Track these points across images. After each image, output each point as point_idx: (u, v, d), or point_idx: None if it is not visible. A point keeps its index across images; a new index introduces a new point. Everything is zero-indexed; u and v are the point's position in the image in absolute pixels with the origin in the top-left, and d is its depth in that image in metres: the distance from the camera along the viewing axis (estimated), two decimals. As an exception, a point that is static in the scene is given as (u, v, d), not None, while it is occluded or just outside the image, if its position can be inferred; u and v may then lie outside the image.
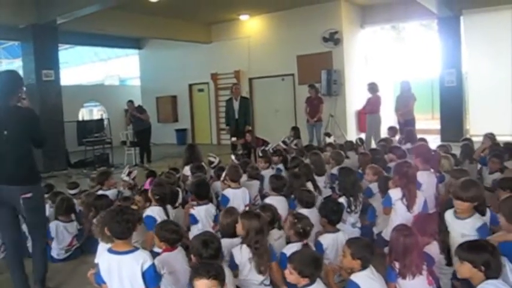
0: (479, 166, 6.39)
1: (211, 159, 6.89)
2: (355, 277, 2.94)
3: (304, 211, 4.05)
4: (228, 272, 3.12)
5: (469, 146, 6.91)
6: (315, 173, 5.68)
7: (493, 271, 2.61)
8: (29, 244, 4.70)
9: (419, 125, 11.03)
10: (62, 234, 4.74)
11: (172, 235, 3.39)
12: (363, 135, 10.96)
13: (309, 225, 3.59)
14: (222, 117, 13.63)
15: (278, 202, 4.40)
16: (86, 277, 3.26)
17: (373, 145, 9.54)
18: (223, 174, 5.41)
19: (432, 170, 4.98)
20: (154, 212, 4.27)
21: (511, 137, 10.04)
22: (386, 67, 14.92)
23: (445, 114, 12.26)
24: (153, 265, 2.90)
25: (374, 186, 5.00)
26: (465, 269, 2.67)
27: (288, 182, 5.04)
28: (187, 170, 6.35)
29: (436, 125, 13.05)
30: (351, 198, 4.59)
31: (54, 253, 4.68)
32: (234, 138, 9.75)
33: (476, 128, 11.64)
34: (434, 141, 9.69)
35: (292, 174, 5.24)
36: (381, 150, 6.99)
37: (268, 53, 14.14)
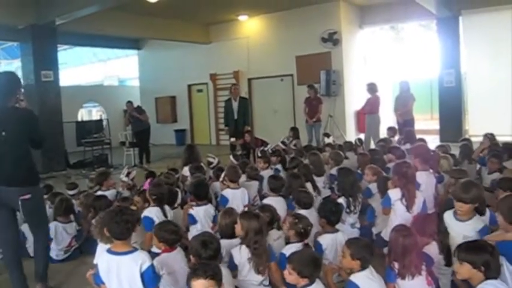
0: (478, 166, 6.40)
1: (211, 159, 6.89)
2: (355, 277, 2.94)
3: (302, 212, 4.05)
4: (227, 273, 3.13)
5: (468, 146, 6.92)
6: (314, 173, 5.68)
7: (492, 271, 2.61)
8: (28, 245, 4.73)
9: (418, 125, 11.05)
10: (61, 235, 4.73)
11: (171, 235, 3.39)
12: (362, 136, 10.96)
13: (309, 225, 3.60)
14: (221, 118, 13.64)
15: (277, 203, 4.40)
16: (85, 278, 3.25)
17: (372, 145, 9.54)
18: (223, 175, 5.42)
19: (431, 170, 4.98)
20: (152, 212, 4.28)
21: (510, 137, 10.05)
22: (385, 67, 14.93)
23: (444, 115, 12.28)
24: (151, 266, 2.90)
25: (373, 187, 5.00)
26: (464, 270, 2.67)
27: (287, 183, 5.04)
28: (186, 171, 6.34)
29: (435, 125, 13.07)
30: (350, 199, 4.59)
31: (53, 254, 4.66)
32: (233, 139, 9.74)
33: (475, 128, 11.65)
34: (433, 142, 9.69)
35: (291, 175, 5.24)
36: (380, 150, 7.00)
37: (267, 54, 14.14)
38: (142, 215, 4.17)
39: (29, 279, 3.81)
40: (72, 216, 4.99)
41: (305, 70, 13.30)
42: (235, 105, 9.77)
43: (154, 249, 3.77)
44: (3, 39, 16.13)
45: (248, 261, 3.32)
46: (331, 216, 3.89)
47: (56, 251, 4.68)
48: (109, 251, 2.95)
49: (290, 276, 2.90)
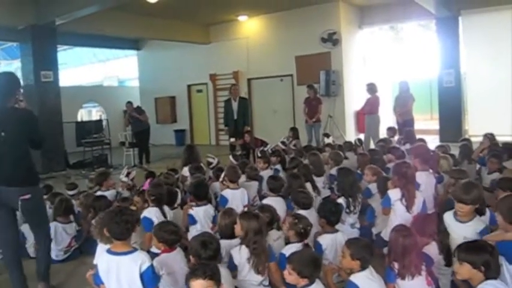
0: (478, 166, 6.40)
1: (210, 160, 6.88)
2: (355, 278, 2.94)
3: (301, 212, 4.05)
4: (226, 273, 3.13)
5: (468, 147, 6.92)
6: (313, 173, 5.68)
7: (492, 271, 2.62)
8: (28, 245, 4.73)
9: (417, 125, 11.06)
10: (60, 236, 4.73)
11: (171, 236, 3.39)
12: (361, 136, 10.96)
13: (309, 225, 3.60)
14: (220, 118, 13.64)
15: (276, 203, 4.39)
16: (85, 278, 3.25)
17: (372, 145, 9.54)
18: (222, 175, 5.42)
19: (431, 171, 4.98)
20: (151, 213, 4.28)
21: (510, 137, 10.05)
22: (384, 68, 14.93)
23: (444, 115, 12.28)
24: (151, 266, 2.89)
25: (373, 187, 5.00)
26: (465, 270, 2.67)
27: (287, 183, 5.05)
28: (186, 171, 6.34)
29: (435, 125, 13.07)
30: (350, 199, 4.59)
31: (53, 254, 4.62)
32: (232, 139, 9.74)
33: (475, 128, 11.65)
34: (433, 142, 9.69)
35: (291, 175, 5.24)
36: (379, 150, 7.00)
37: (266, 54, 14.14)
38: (142, 216, 4.17)
39: (29, 280, 3.81)
40: (72, 217, 4.99)
41: (305, 70, 13.30)
42: (234, 105, 9.77)
43: (154, 250, 3.77)
44: (3, 40, 16.13)
45: (247, 261, 3.32)
46: (331, 216, 3.88)
47: (55, 251, 4.67)
48: (109, 251, 2.95)
49: (290, 276, 2.90)
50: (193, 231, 4.34)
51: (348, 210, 4.53)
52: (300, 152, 7.47)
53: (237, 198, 4.97)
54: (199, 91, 16.51)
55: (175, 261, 3.36)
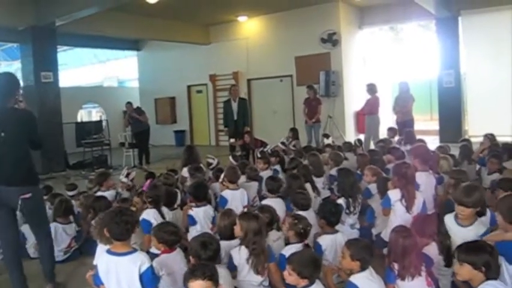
0: (478, 167, 6.40)
1: (210, 160, 6.89)
2: (355, 278, 2.94)
3: (300, 213, 4.04)
4: (226, 273, 3.13)
5: (468, 147, 6.92)
6: (313, 174, 5.68)
7: (493, 272, 2.62)
8: (28, 246, 4.74)
9: (417, 125, 11.05)
10: (60, 236, 4.73)
11: (170, 236, 3.39)
12: (361, 136, 10.96)
13: (308, 225, 3.60)
14: (220, 119, 13.63)
15: (275, 204, 4.39)
16: (85, 279, 3.25)
17: (372, 146, 9.54)
18: (222, 176, 5.42)
19: (431, 171, 4.98)
20: (150, 215, 4.29)
21: (510, 137, 10.05)
22: (384, 68, 14.93)
23: (444, 115, 12.27)
24: (151, 267, 2.89)
25: (373, 187, 5.00)
26: (465, 271, 2.67)
27: (287, 183, 5.05)
28: (185, 172, 6.34)
29: (435, 125, 13.06)
30: (350, 199, 4.59)
31: (53, 255, 4.67)
32: (232, 140, 9.74)
33: (475, 128, 11.65)
34: (433, 142, 9.69)
35: (290, 176, 5.24)
36: (379, 151, 7.00)
37: (266, 54, 14.15)
38: (140, 218, 4.16)
39: (29, 280, 3.82)
40: (71, 217, 4.99)
41: (304, 71, 13.30)
42: (234, 106, 9.77)
43: (153, 250, 3.77)
44: (3, 41, 16.14)
45: (247, 261, 3.31)
46: (330, 217, 3.88)
47: (55, 252, 4.65)
48: (108, 251, 2.95)
49: (290, 277, 2.89)
50: (193, 232, 4.35)
51: (347, 211, 4.53)
52: (300, 152, 7.47)
53: (236, 198, 4.96)
54: (199, 92, 16.51)
55: (175, 261, 3.36)
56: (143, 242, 4.15)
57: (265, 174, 6.04)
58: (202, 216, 4.53)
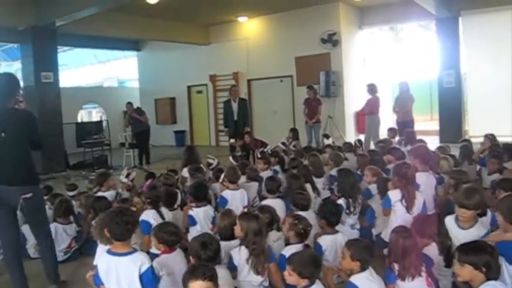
0: (478, 167, 6.40)
1: (210, 161, 6.89)
2: (355, 279, 2.94)
3: (300, 213, 4.04)
4: (226, 274, 3.13)
5: (468, 147, 6.92)
6: (313, 174, 5.68)
7: (493, 272, 2.61)
8: (28, 246, 4.73)
9: (418, 126, 11.06)
10: (60, 236, 4.73)
11: (171, 237, 3.39)
12: (361, 137, 10.96)
13: (309, 225, 3.60)
14: (220, 119, 13.64)
15: (275, 204, 4.38)
16: (85, 279, 3.25)
17: (372, 146, 9.54)
18: (222, 176, 5.42)
19: (431, 171, 4.98)
20: (149, 215, 4.29)
21: (510, 138, 10.04)
22: (384, 68, 14.93)
23: (444, 116, 12.27)
24: (151, 267, 2.89)
25: (373, 188, 4.99)
26: (466, 272, 2.66)
27: (287, 183, 5.05)
28: (185, 172, 6.35)
29: (435, 126, 13.06)
30: (350, 200, 4.59)
31: (54, 255, 4.67)
32: (232, 140, 9.74)
33: (475, 129, 11.65)
34: (433, 143, 9.69)
35: (290, 176, 5.24)
36: (379, 151, 7.00)
37: (266, 55, 14.15)
38: (140, 219, 4.16)
39: (29, 280, 3.82)
40: (72, 218, 5.00)
41: (304, 71, 13.30)
42: (234, 106, 9.77)
43: (153, 250, 3.77)
44: (3, 41, 16.15)
45: (247, 261, 3.32)
46: (331, 217, 3.88)
47: (55, 252, 4.68)
48: (109, 251, 2.95)
49: (290, 277, 2.89)
50: (193, 232, 4.35)
51: (348, 211, 4.53)
52: (300, 153, 7.48)
53: (236, 199, 4.97)
54: (199, 92, 16.52)
55: (175, 262, 3.36)
56: (143, 243, 4.15)
57: (266, 174, 6.04)
58: (202, 216, 4.53)
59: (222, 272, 3.03)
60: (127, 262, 2.86)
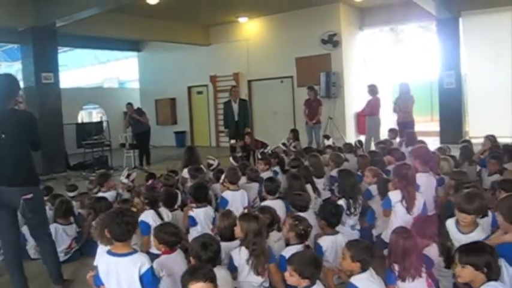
0: (478, 168, 6.40)
1: (211, 161, 6.90)
2: (355, 279, 2.94)
3: (300, 214, 4.04)
4: (227, 274, 3.13)
5: (468, 148, 6.92)
6: (314, 175, 5.68)
7: (494, 272, 2.61)
8: (28, 247, 4.73)
9: (418, 127, 11.06)
10: (61, 237, 4.73)
11: (171, 237, 3.39)
12: (361, 138, 10.96)
13: (309, 226, 3.60)
14: (221, 120, 13.62)
15: (275, 205, 4.38)
16: (85, 279, 3.25)
17: (373, 147, 9.54)
18: (223, 177, 5.42)
19: (431, 172, 4.98)
20: (148, 216, 4.29)
21: (510, 138, 10.05)
22: (385, 69, 14.93)
23: (444, 116, 12.26)
24: (151, 268, 2.89)
25: (373, 188, 4.99)
26: (467, 273, 2.65)
27: (287, 184, 5.05)
28: (186, 173, 6.35)
29: (435, 127, 13.05)
30: (350, 201, 4.59)
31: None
32: (233, 141, 9.75)
33: (475, 130, 11.65)
34: (433, 143, 9.68)
35: (291, 176, 5.24)
36: (380, 152, 7.00)
37: (267, 55, 14.15)
38: (139, 220, 4.16)
39: (30, 281, 3.82)
40: (72, 218, 5.00)
41: (305, 72, 13.30)
42: (235, 107, 9.78)
43: (153, 250, 3.77)
44: (3, 41, 16.17)
45: (247, 262, 3.31)
46: (331, 218, 3.88)
47: (56, 253, 4.69)
48: (109, 252, 2.95)
49: (291, 277, 2.89)
50: (194, 233, 4.35)
51: (348, 212, 4.53)
52: (300, 153, 7.48)
53: (237, 199, 4.97)
54: (200, 93, 16.52)
55: (175, 262, 3.36)
56: (142, 244, 4.15)
57: (266, 175, 6.03)
58: (202, 217, 4.53)
59: (222, 272, 3.03)
60: (127, 263, 2.86)
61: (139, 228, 3.96)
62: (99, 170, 8.68)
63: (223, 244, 3.47)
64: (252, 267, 3.30)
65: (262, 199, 5.30)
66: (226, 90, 12.67)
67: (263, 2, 12.52)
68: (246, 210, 4.66)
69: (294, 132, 9.97)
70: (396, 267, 2.99)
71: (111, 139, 12.16)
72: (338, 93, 12.71)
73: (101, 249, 3.35)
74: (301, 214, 4.00)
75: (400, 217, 3.93)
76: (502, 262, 2.80)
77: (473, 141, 8.15)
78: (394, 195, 4.06)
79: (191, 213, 4.54)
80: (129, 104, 11.81)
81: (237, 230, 3.50)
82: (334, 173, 5.99)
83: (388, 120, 11.77)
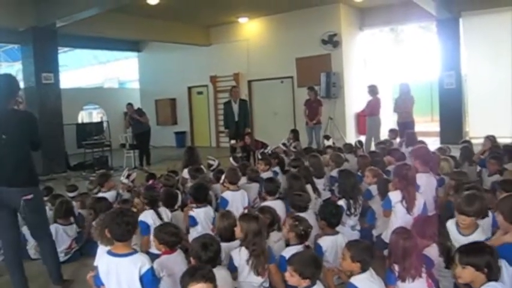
0: (478, 168, 6.39)
1: (211, 162, 6.90)
2: (355, 280, 2.93)
3: (300, 214, 4.03)
4: (227, 274, 3.13)
5: (469, 148, 6.92)
6: (314, 175, 5.68)
7: (494, 273, 2.61)
8: (28, 247, 4.73)
9: (418, 127, 11.06)
10: (61, 237, 4.73)
11: (171, 238, 3.39)
12: (362, 138, 10.96)
13: (309, 227, 3.60)
14: (221, 120, 13.62)
15: (275, 205, 4.38)
16: (86, 280, 3.25)
17: (373, 147, 9.54)
18: (223, 177, 5.42)
19: (431, 173, 4.97)
20: (147, 216, 4.29)
21: (510, 139, 10.04)
22: (385, 69, 14.93)
23: (445, 117, 12.26)
24: (151, 269, 2.89)
25: (373, 189, 4.99)
26: (468, 274, 2.65)
27: (288, 184, 5.05)
28: (186, 173, 6.35)
29: (436, 127, 13.06)
30: (351, 201, 4.59)
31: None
32: (233, 141, 9.75)
33: (475, 130, 11.65)
34: (433, 144, 9.67)
35: (291, 176, 5.24)
36: (380, 152, 7.00)
37: (267, 56, 14.15)
38: (139, 220, 4.16)
39: (30, 281, 3.82)
40: (72, 219, 5.00)
41: (305, 72, 13.30)
42: (235, 107, 9.78)
43: (153, 250, 3.77)
44: (4, 42, 16.18)
45: (247, 262, 3.32)
46: (331, 218, 3.88)
47: (56, 253, 4.69)
48: (109, 252, 2.95)
49: (292, 278, 2.89)
50: (194, 233, 4.35)
51: (348, 212, 4.53)
52: (301, 154, 7.48)
53: (237, 200, 4.97)
54: (200, 93, 16.52)
55: (175, 263, 3.36)
56: (142, 244, 4.15)
57: (266, 175, 6.04)
58: (203, 217, 4.53)
59: (222, 273, 3.03)
60: (127, 263, 2.86)
61: (139, 228, 3.97)
62: (99, 170, 8.67)
63: (223, 244, 3.47)
64: (252, 268, 3.30)
65: (263, 199, 5.30)
66: (226, 91, 12.66)
67: (263, 3, 12.53)
68: (246, 211, 4.66)
69: (294, 133, 9.97)
70: (396, 267, 2.99)
71: (111, 139, 12.16)
72: (338, 93, 12.71)
73: (101, 250, 3.35)
74: (301, 214, 4.01)
75: (400, 217, 3.93)
76: (503, 262, 2.79)
77: (473, 141, 8.16)
78: (394, 196, 4.06)
79: (191, 213, 4.54)
80: (130, 105, 11.82)
81: (237, 230, 3.50)
82: (334, 173, 5.99)
83: (388, 121, 11.78)
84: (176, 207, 4.91)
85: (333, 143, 9.07)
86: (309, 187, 5.20)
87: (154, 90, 17.37)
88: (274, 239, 3.80)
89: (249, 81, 14.92)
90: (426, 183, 4.64)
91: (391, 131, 9.54)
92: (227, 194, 5.03)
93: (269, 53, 14.08)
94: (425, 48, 15.87)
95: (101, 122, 14.06)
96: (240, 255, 3.35)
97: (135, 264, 2.85)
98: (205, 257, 3.01)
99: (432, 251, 3.32)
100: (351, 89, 13.06)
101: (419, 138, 8.38)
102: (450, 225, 3.51)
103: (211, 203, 5.17)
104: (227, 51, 15.17)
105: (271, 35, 14.16)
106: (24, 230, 4.49)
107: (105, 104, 17.68)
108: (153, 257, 3.18)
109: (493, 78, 11.58)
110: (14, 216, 3.79)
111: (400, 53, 16.59)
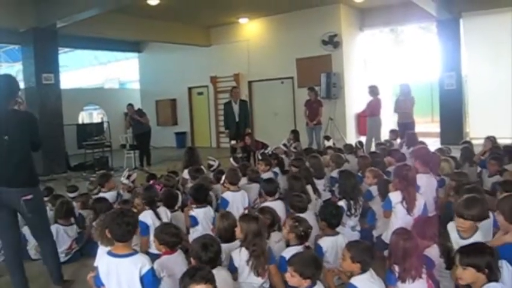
0: (479, 169, 6.39)
1: (211, 162, 6.90)
2: (355, 280, 2.93)
3: (300, 215, 4.03)
4: (227, 275, 3.13)
5: (469, 149, 6.92)
6: (314, 176, 5.68)
7: (494, 273, 2.61)
8: (29, 247, 4.74)
9: (418, 128, 11.04)
10: (61, 238, 4.72)
11: (172, 238, 3.40)
12: (362, 139, 10.96)
13: (309, 227, 3.60)
14: (221, 121, 13.60)
15: (275, 206, 4.38)
16: (86, 280, 3.25)
17: (373, 148, 9.54)
18: (223, 178, 5.42)
19: (432, 173, 4.98)
20: (147, 217, 4.30)
21: (510, 139, 10.04)
22: (385, 70, 14.92)
23: (445, 117, 12.26)
24: (151, 269, 2.89)
25: (374, 189, 4.99)
26: (469, 275, 2.64)
27: (288, 185, 5.05)
28: (186, 173, 6.35)
29: (436, 128, 13.06)
30: (351, 202, 4.58)
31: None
32: (233, 142, 9.75)
33: (476, 130, 11.65)
34: (434, 144, 9.67)
35: (292, 176, 5.24)
36: (380, 153, 7.00)
37: (267, 56, 14.15)
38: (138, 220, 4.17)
39: (30, 282, 3.82)
40: (72, 219, 5.00)
41: (305, 73, 13.30)
42: (236, 107, 9.79)
43: (153, 250, 3.77)
44: (4, 42, 16.17)
45: (247, 263, 3.31)
46: (331, 219, 3.88)
47: (56, 254, 4.69)
48: (109, 253, 2.95)
49: (292, 278, 2.89)
50: (194, 234, 4.35)
51: (348, 213, 4.52)
52: (301, 154, 7.48)
53: (237, 200, 4.97)
54: (200, 93, 16.53)
55: (176, 263, 3.36)
56: (141, 244, 4.15)
57: (267, 176, 6.03)
58: (202, 217, 4.54)
59: (222, 273, 3.03)
60: (128, 264, 2.86)
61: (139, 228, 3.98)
62: (100, 171, 8.69)
63: (223, 245, 3.46)
64: (252, 268, 3.30)
65: (263, 200, 5.30)
66: (226, 91, 12.67)
67: (263, 3, 12.53)
68: (246, 211, 4.66)
69: (295, 133, 9.97)
70: (396, 268, 2.98)
71: (111, 140, 12.16)
72: (338, 94, 12.71)
73: (102, 250, 3.35)
74: (301, 215, 4.01)
75: (400, 218, 3.93)
76: (503, 262, 2.79)
77: (473, 142, 8.16)
78: (395, 196, 4.06)
79: (192, 213, 4.55)
80: (130, 105, 11.82)
81: (237, 231, 3.50)
82: (334, 173, 6.00)
83: (388, 121, 11.78)
84: (176, 207, 4.91)
85: (333, 144, 9.08)
86: (309, 188, 5.20)
87: (154, 91, 17.37)
88: (275, 240, 3.80)
89: (249, 82, 14.92)
90: (426, 184, 4.64)
91: (392, 131, 9.54)
92: (227, 195, 5.03)
93: (269, 54, 14.09)
94: (425, 48, 15.85)
95: (102, 123, 14.05)
96: (240, 256, 3.35)
97: (136, 265, 2.85)
98: (206, 258, 3.00)
99: (433, 252, 3.32)
100: (351, 89, 13.07)
101: (420, 139, 8.38)
102: (451, 227, 3.49)
103: (211, 203, 5.17)
104: (227, 52, 15.17)
105: (271, 35, 14.16)
106: (25, 230, 4.49)
107: (106, 104, 17.68)
108: (153, 258, 3.18)
109: (493, 79, 11.58)
110: (14, 216, 3.79)
111: (400, 54, 16.58)
